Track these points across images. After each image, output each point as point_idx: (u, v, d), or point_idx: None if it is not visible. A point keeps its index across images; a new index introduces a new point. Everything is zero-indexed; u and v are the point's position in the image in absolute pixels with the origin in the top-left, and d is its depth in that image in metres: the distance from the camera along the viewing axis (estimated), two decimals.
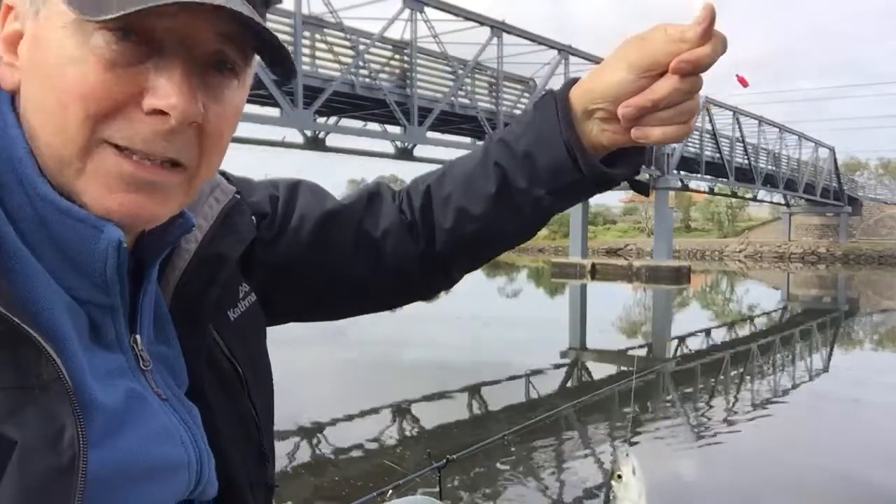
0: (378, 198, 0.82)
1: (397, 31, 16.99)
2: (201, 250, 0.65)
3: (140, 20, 0.48)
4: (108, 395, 0.51)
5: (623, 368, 9.84)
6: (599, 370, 9.75)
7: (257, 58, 0.56)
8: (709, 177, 31.21)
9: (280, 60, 0.55)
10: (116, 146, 0.51)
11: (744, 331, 14.23)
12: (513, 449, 5.31)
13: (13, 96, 0.53)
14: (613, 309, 17.46)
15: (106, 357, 0.54)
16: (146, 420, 0.54)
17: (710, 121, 28.85)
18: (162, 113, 0.51)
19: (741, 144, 31.45)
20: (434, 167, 0.84)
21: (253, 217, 0.74)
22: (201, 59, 0.53)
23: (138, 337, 0.57)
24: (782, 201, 42.81)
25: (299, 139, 17.33)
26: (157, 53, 0.50)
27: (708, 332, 13.55)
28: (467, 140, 21.09)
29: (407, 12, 16.52)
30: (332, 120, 18.46)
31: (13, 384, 0.45)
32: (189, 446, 0.58)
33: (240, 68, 0.55)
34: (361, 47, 15.78)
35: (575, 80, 0.71)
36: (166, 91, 0.50)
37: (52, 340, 0.47)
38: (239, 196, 0.70)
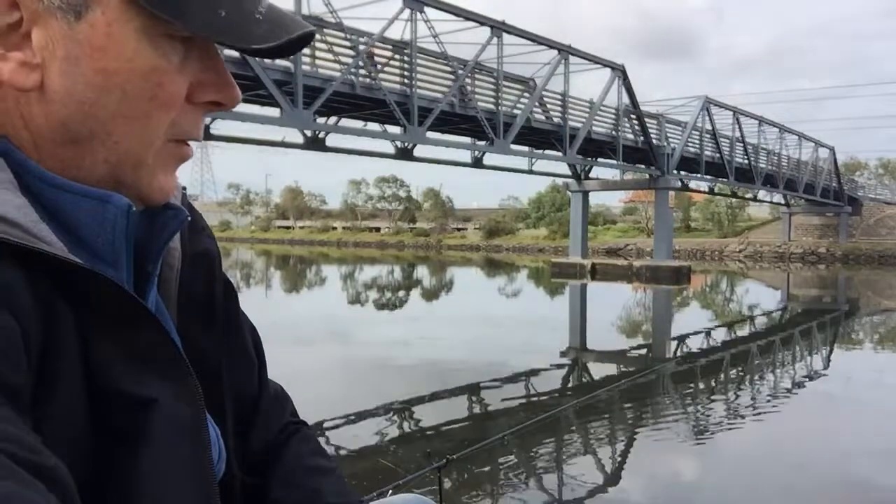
0: (282, 400, 0.83)
1: (397, 31, 17.03)
2: (186, 247, 0.64)
3: None
4: None
5: (623, 368, 9.85)
6: (599, 370, 9.75)
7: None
8: (709, 177, 31.23)
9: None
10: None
11: (744, 331, 14.23)
12: (513, 449, 5.31)
13: None
14: (613, 309, 17.46)
15: None
16: None
17: (710, 121, 28.88)
18: (218, 104, 0.55)
19: (741, 144, 31.46)
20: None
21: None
22: None
23: None
24: (782, 201, 42.83)
25: (299, 139, 17.33)
26: (191, 46, 0.52)
27: (708, 332, 13.55)
28: (467, 140, 21.09)
29: (407, 12, 16.54)
30: (332, 120, 18.46)
31: (144, 353, 0.51)
32: (210, 424, 0.61)
33: None
34: (361, 47, 15.79)
35: None
36: (228, 86, 0.55)
37: None
38: (185, 188, 0.68)
